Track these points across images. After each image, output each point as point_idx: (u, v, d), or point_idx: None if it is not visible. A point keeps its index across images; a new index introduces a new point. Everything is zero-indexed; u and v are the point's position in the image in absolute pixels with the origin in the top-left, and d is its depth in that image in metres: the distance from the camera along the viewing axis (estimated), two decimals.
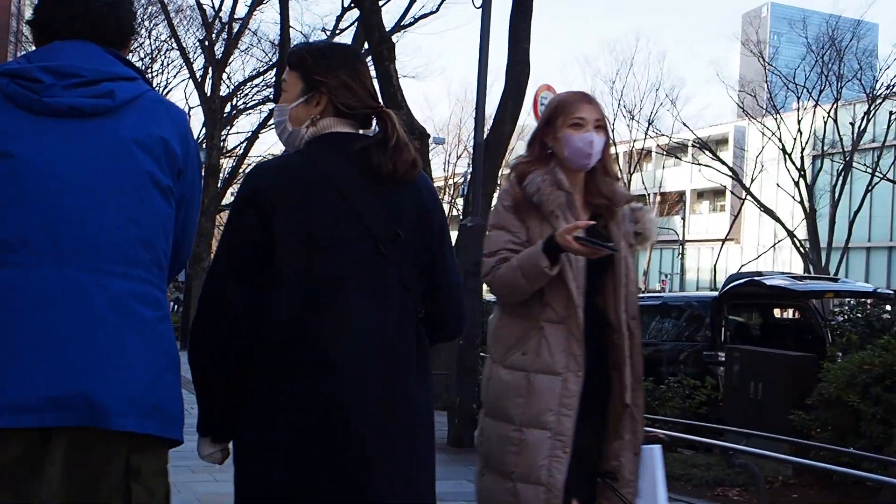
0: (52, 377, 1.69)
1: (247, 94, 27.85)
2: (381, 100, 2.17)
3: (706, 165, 34.14)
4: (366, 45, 13.25)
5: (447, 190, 49.67)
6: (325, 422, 1.92)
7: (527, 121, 13.99)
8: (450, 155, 53.05)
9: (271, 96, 27.95)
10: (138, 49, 30.78)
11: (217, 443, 2.06)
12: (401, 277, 2.04)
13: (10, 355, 1.69)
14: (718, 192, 48.23)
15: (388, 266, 2.02)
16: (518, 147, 16.21)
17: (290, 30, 17.58)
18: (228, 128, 27.84)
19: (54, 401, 1.68)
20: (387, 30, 12.35)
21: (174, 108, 1.98)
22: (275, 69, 27.20)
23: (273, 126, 2.64)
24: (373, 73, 12.12)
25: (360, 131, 2.12)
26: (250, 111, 28.35)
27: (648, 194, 42.92)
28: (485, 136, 11.99)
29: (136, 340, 1.78)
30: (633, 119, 36.40)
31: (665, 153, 39.50)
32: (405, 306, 2.04)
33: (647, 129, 35.90)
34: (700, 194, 49.93)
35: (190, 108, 29.29)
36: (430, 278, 2.11)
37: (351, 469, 1.92)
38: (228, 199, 25.51)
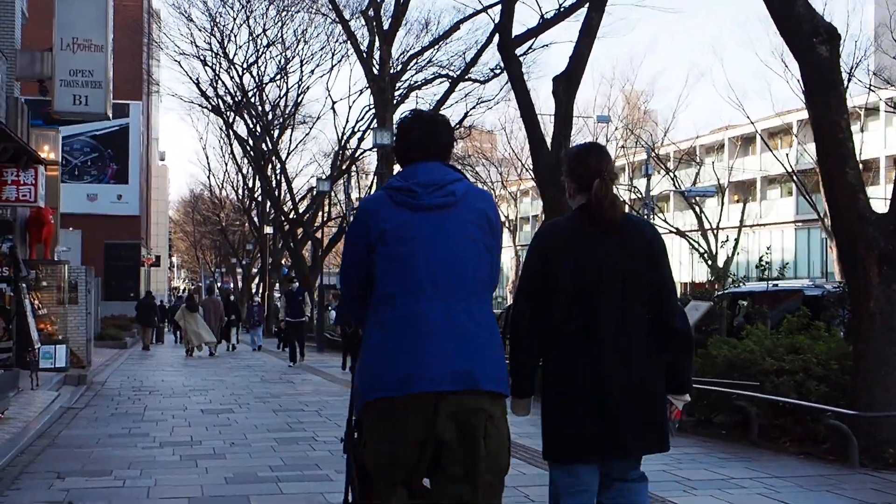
0: (451, 362, 2.95)
1: (417, 72, 23.92)
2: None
3: None
4: None
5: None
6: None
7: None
8: (608, 139, 47.90)
9: (447, 72, 23.97)
10: (275, 43, 27.47)
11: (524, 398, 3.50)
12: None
13: (430, 353, 2.94)
14: None
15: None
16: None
17: None
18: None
19: (454, 374, 2.93)
20: None
21: (485, 192, 3.25)
22: (445, 39, 23.17)
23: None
24: None
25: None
26: (420, 89, 24.39)
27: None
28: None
29: (488, 340, 3.04)
30: (851, 72, 29.08)
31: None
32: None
33: (870, 80, 29.85)
34: None
35: (333, 104, 25.54)
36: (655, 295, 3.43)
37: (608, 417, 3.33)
38: None
